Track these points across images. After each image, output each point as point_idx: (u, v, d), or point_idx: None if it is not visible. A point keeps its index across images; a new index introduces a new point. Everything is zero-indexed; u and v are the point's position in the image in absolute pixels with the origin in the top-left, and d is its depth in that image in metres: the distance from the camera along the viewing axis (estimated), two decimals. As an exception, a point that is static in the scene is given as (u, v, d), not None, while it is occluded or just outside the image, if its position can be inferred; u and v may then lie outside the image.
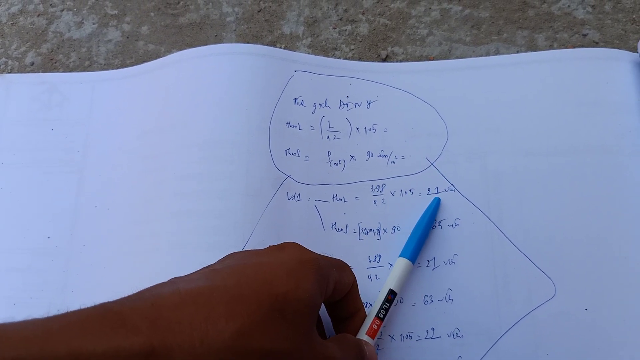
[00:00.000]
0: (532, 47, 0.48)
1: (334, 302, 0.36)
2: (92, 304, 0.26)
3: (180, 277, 0.30)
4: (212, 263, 0.33)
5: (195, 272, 0.31)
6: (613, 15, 0.48)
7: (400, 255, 0.40)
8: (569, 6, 0.49)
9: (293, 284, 0.29)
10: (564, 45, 0.48)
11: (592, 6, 0.49)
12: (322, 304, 0.36)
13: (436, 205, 0.42)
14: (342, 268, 0.35)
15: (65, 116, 0.47)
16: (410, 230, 0.42)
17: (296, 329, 0.28)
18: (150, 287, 0.28)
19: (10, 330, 0.23)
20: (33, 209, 0.44)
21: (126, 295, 0.27)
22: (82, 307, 0.26)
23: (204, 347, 0.25)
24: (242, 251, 0.34)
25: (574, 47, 0.47)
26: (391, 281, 0.39)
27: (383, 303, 0.38)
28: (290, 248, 0.33)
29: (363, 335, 0.36)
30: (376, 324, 0.37)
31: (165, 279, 0.40)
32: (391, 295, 0.38)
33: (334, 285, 0.33)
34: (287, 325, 0.28)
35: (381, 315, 0.37)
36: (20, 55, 0.51)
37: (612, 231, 0.41)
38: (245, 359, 0.26)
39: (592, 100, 0.44)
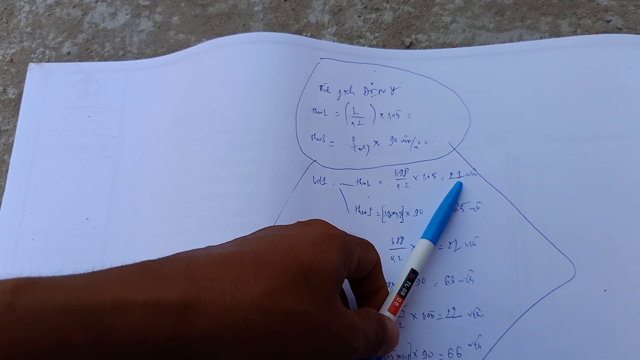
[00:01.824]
0: (556, 33, 0.48)
1: (358, 279, 0.37)
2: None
3: (213, 245, 0.32)
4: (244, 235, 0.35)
5: (227, 241, 0.33)
6: (636, 1, 0.48)
7: (422, 237, 0.41)
8: (592, -8, 0.49)
9: (318, 254, 0.31)
10: (587, 31, 0.48)
11: (616, -8, 0.49)
12: (347, 281, 0.38)
13: (458, 189, 0.43)
14: (366, 246, 0.37)
15: (101, 103, 0.49)
16: (433, 213, 0.43)
17: (319, 294, 0.30)
18: (186, 251, 0.30)
19: (59, 281, 0.25)
20: (72, 192, 0.47)
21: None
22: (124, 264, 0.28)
23: (234, 303, 0.27)
24: (272, 225, 0.36)
25: (597, 33, 0.48)
26: (413, 261, 0.40)
27: (405, 281, 0.39)
28: (316, 223, 0.35)
29: (385, 312, 0.37)
30: (398, 302, 0.38)
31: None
32: (412, 275, 0.39)
33: (357, 261, 0.34)
34: (310, 291, 0.29)
35: (403, 293, 0.38)
36: (57, 45, 0.53)
37: (631, 214, 0.42)
38: (270, 317, 0.28)
39: (615, 86, 0.45)
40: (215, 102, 0.46)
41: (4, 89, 0.51)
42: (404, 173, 0.45)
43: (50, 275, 0.26)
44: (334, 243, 0.32)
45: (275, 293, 0.28)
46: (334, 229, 0.34)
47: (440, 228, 0.42)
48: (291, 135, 0.45)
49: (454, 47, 0.49)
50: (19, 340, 0.23)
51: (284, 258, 0.30)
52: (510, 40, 0.48)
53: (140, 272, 0.27)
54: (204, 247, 0.31)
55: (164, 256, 0.29)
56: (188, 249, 0.42)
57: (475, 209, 0.43)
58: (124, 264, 0.28)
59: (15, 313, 0.23)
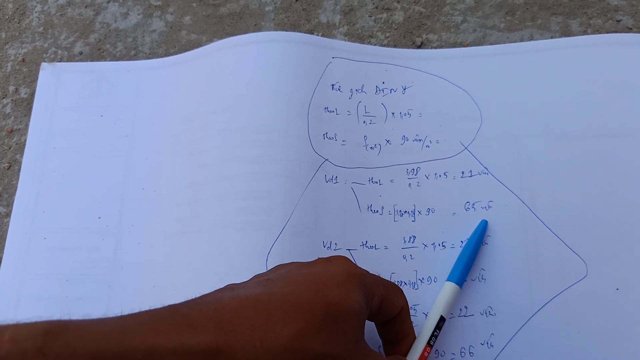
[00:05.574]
0: (566, 33, 0.48)
1: (385, 323, 0.37)
2: (162, 305, 0.28)
3: (237, 283, 0.32)
4: (264, 272, 0.35)
5: (250, 280, 0.33)
6: (648, 0, 0.48)
7: (448, 279, 0.40)
8: (603, -8, 0.49)
9: (344, 294, 0.31)
10: (597, 31, 0.48)
11: (627, -8, 0.49)
12: (375, 324, 0.38)
13: (484, 227, 0.42)
14: (392, 289, 0.36)
15: (113, 103, 0.49)
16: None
17: (347, 335, 0.30)
18: (212, 292, 0.31)
19: (90, 326, 0.25)
20: (84, 191, 0.47)
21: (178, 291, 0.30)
22: (152, 307, 0.28)
23: (264, 347, 0.27)
24: (293, 262, 0.36)
25: (607, 33, 0.48)
26: (441, 307, 0.39)
27: (434, 330, 0.38)
28: (338, 261, 0.34)
29: None
30: (427, 351, 0.37)
31: (208, 259, 0.42)
32: (442, 322, 0.38)
33: (379, 302, 0.34)
34: (338, 332, 0.30)
35: (432, 343, 0.37)
36: (69, 45, 0.53)
37: (644, 213, 0.42)
38: None
39: (625, 85, 0.45)
40: (227, 102, 0.46)
41: (17, 89, 0.52)
42: (415, 172, 0.45)
43: (81, 317, 0.26)
44: (356, 283, 0.32)
45: (304, 335, 0.28)
46: (356, 268, 0.34)
47: (466, 270, 0.41)
48: (303, 134, 0.45)
49: (465, 46, 0.49)
50: None
51: (311, 299, 0.30)
52: (521, 40, 0.49)
53: (170, 317, 0.27)
54: (228, 286, 0.32)
55: (190, 299, 0.30)
56: (200, 248, 0.42)
57: (487, 208, 0.43)
58: (152, 308, 0.28)
59: (46, 358, 0.23)
